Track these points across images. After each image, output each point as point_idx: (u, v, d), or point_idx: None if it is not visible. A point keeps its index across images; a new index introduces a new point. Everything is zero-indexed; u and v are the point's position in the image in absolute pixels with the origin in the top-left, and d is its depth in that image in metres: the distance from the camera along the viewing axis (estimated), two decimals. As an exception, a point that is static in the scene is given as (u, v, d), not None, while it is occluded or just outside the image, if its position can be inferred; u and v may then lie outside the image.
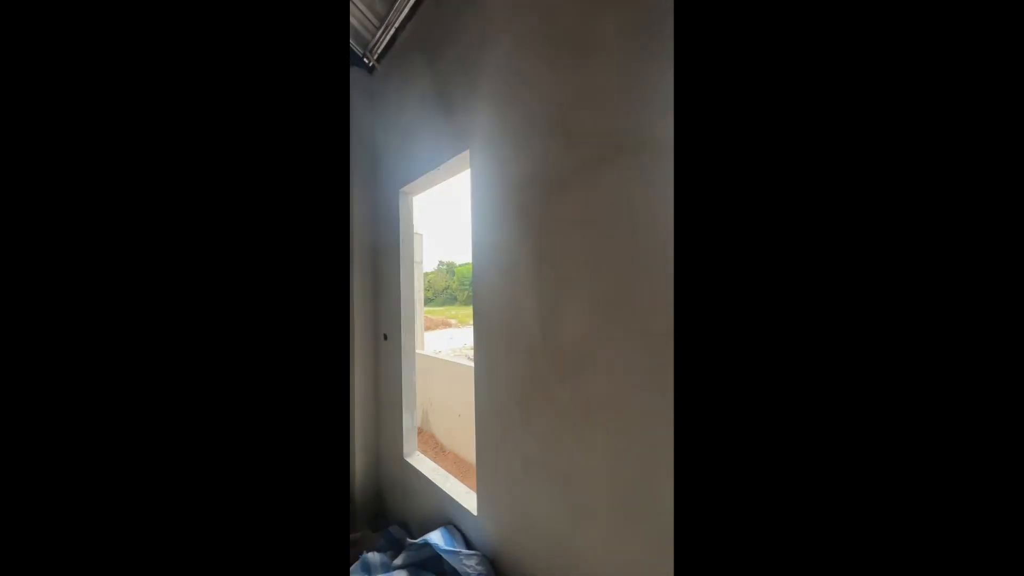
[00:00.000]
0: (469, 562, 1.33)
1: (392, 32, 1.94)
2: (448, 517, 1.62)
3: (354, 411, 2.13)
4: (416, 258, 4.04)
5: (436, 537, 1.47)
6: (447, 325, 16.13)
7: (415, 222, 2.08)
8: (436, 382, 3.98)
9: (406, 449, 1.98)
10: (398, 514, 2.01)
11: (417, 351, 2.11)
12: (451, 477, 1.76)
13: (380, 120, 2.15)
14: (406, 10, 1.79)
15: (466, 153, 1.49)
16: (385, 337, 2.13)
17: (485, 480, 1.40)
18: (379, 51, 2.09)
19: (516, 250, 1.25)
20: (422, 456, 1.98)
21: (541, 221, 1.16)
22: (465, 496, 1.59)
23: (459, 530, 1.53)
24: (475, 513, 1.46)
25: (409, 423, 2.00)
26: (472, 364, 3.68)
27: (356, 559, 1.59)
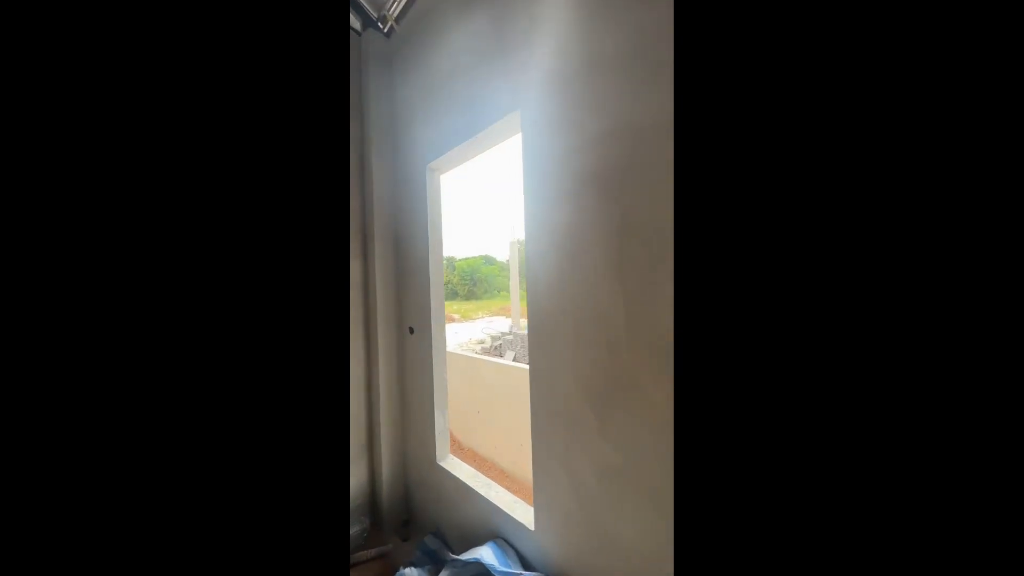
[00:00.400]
0: (531, 586, 1.16)
1: (415, -16, 1.70)
2: (495, 530, 1.45)
3: (379, 410, 1.95)
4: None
5: (486, 554, 1.30)
6: (451, 320, 16.02)
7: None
8: (451, 377, 3.84)
9: (439, 452, 1.81)
10: (429, 522, 1.85)
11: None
12: (495, 484, 1.59)
13: (402, 89, 1.92)
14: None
15: (515, 115, 1.28)
16: (411, 331, 1.94)
17: (546, 492, 1.23)
18: (397, 11, 1.86)
19: (588, 226, 1.05)
20: (457, 460, 1.81)
21: (623, 187, 0.96)
22: (515, 507, 1.42)
23: (511, 546, 1.37)
24: (532, 528, 1.29)
25: (441, 424, 1.83)
26: (485, 359, 3.60)
27: (391, 573, 1.43)
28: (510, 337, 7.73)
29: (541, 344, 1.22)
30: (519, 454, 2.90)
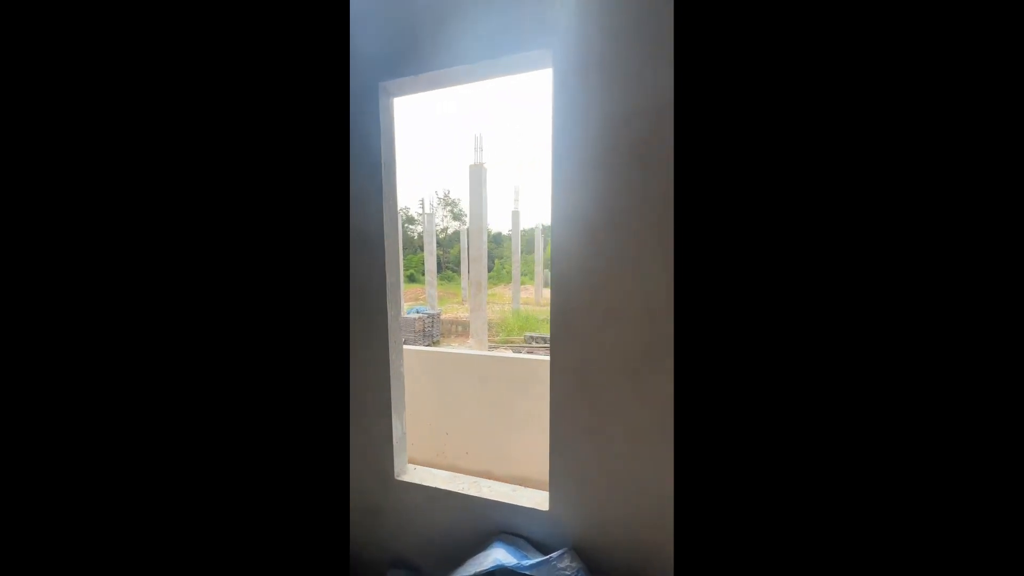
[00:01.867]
0: (562, 564, 1.13)
1: None
2: (494, 527, 1.32)
3: (291, 436, 1.36)
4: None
5: (500, 555, 1.17)
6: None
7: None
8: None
9: (397, 466, 1.45)
10: (380, 557, 1.48)
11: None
12: (482, 480, 1.42)
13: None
14: None
15: (543, 55, 1.09)
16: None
17: (566, 467, 1.20)
18: None
19: (627, 194, 1.04)
20: (423, 468, 1.50)
21: (670, 161, 1.00)
22: (516, 495, 1.33)
23: (519, 536, 1.27)
24: (545, 508, 1.24)
25: (399, 431, 1.46)
26: (444, 350, 2.81)
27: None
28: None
29: (568, 323, 1.15)
30: (504, 449, 2.53)
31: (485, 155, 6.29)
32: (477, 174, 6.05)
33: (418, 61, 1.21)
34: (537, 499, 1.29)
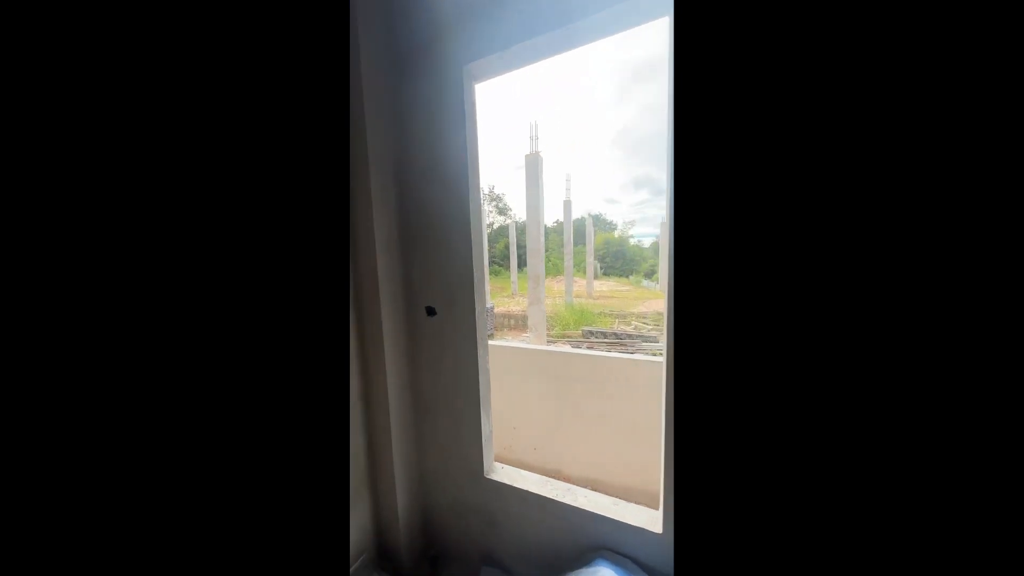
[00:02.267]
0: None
1: None
2: (593, 543, 1.20)
3: (387, 421, 1.39)
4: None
5: (607, 574, 1.05)
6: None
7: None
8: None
9: (486, 464, 1.41)
10: (474, 552, 1.47)
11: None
12: (577, 488, 1.32)
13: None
14: None
15: (661, 23, 0.91)
16: (431, 312, 1.41)
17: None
18: None
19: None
20: (512, 468, 1.45)
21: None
22: (619, 510, 1.19)
23: (628, 557, 1.15)
24: (659, 530, 1.09)
25: (488, 429, 1.42)
26: (550, 349, 2.66)
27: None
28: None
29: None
30: (575, 449, 2.36)
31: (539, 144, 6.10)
32: (533, 164, 5.88)
33: (506, 32, 1.10)
34: (645, 518, 1.15)
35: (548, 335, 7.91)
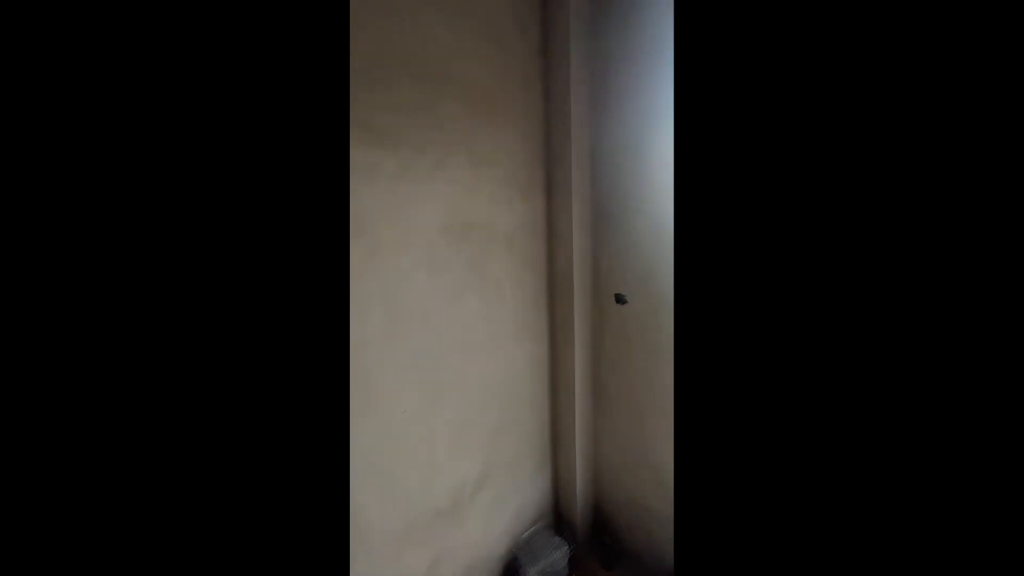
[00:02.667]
0: None
1: None
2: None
3: (572, 404, 1.44)
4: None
5: None
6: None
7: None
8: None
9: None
10: (658, 565, 1.38)
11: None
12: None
13: None
14: None
15: None
16: (620, 300, 1.33)
17: None
18: None
19: None
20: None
21: None
22: None
23: None
24: None
25: (682, 434, 1.27)
26: None
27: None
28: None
29: None
30: None
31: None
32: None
33: None
34: None
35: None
